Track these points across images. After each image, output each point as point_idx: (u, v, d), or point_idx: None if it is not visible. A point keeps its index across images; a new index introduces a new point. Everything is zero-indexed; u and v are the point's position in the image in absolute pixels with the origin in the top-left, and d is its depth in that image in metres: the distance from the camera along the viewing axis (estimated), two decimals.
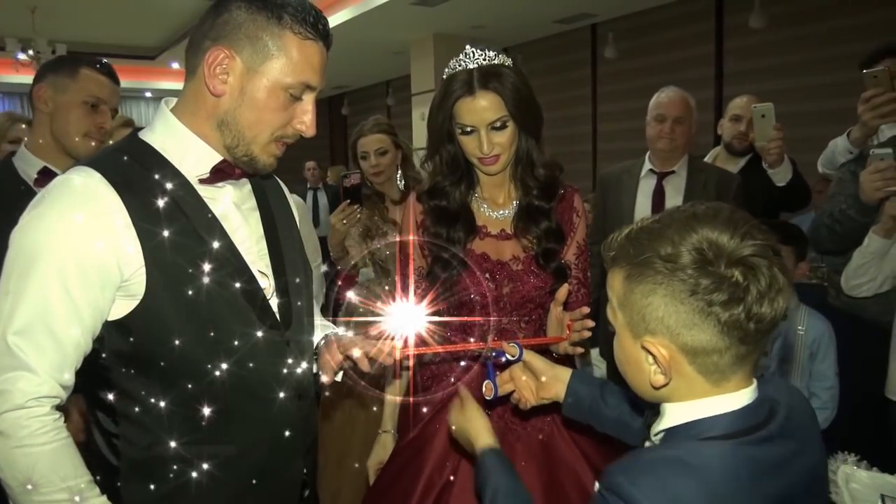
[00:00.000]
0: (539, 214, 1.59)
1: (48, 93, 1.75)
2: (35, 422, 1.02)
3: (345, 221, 2.37)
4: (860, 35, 4.85)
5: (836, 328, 2.21)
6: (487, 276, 1.57)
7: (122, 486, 1.11)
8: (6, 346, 1.01)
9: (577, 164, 7.16)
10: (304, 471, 1.28)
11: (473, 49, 1.52)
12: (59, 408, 1.06)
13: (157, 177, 1.09)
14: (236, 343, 1.13)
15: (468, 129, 1.51)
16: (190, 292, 1.09)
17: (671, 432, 0.88)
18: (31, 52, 7.63)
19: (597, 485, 0.86)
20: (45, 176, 1.70)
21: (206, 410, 1.12)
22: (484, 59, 1.49)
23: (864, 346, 2.20)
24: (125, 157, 1.11)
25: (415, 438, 1.57)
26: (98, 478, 1.09)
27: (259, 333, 1.15)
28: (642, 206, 2.69)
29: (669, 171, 2.70)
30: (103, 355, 1.09)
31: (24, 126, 2.52)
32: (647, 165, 2.76)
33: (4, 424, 1.01)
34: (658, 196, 2.69)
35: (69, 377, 1.06)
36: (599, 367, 3.65)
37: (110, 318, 1.07)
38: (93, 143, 1.77)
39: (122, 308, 1.07)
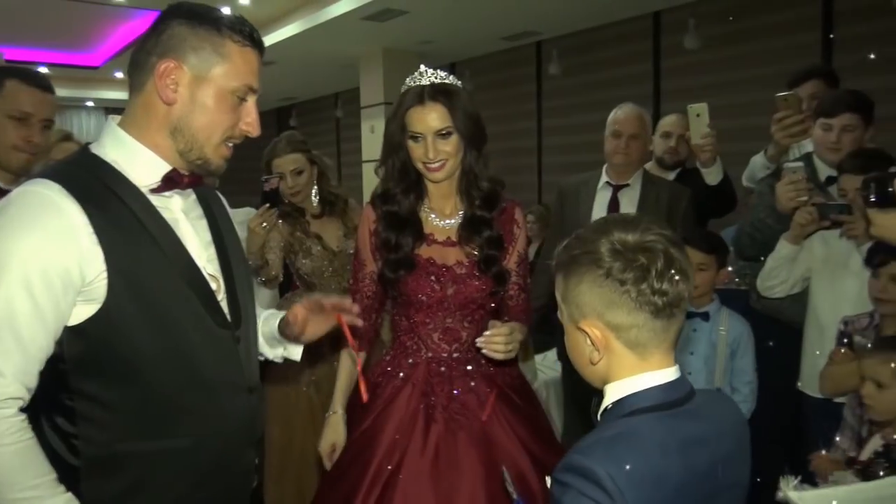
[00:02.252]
0: (481, 224, 1.73)
1: None
2: (3, 423, 1.07)
3: (264, 224, 2.39)
4: (786, 57, 5.15)
5: (756, 329, 2.38)
6: (433, 278, 1.69)
7: (82, 484, 1.15)
8: None
9: (523, 177, 7.35)
10: (256, 461, 1.36)
11: (427, 69, 1.69)
12: (23, 409, 1.11)
13: (112, 187, 1.17)
14: (190, 341, 1.21)
15: (417, 136, 1.66)
16: (148, 296, 1.16)
17: (608, 414, 1.03)
18: None
19: (548, 479, 0.99)
20: None
21: (163, 407, 1.19)
22: (436, 78, 1.68)
23: (781, 345, 2.39)
24: (80, 170, 1.19)
25: (366, 430, 1.66)
26: (62, 478, 1.14)
27: (211, 332, 1.24)
28: (598, 217, 2.82)
29: (624, 184, 2.83)
30: (62, 358, 1.14)
31: None
32: (604, 178, 2.89)
33: None
34: (613, 207, 2.83)
35: (33, 380, 1.11)
36: (545, 373, 3.78)
37: (70, 323, 1.13)
38: (23, 156, 1.75)
39: (82, 312, 1.13)
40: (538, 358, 3.87)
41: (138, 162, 1.21)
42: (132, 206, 1.17)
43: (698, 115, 2.65)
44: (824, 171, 2.37)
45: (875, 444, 1.77)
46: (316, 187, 2.62)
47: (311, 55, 7.50)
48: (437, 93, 1.66)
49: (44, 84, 1.78)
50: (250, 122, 1.26)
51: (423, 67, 1.72)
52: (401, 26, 6.49)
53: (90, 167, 1.19)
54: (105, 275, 1.12)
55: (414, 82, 1.69)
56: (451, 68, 8.57)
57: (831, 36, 5.17)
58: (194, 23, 1.20)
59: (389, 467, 1.59)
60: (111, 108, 12.70)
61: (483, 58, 8.09)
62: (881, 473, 1.64)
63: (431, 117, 1.65)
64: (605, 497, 0.89)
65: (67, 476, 1.15)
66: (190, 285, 1.22)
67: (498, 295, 1.78)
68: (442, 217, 1.78)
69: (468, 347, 1.73)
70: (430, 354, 1.73)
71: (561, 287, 1.07)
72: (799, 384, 2.29)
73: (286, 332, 1.46)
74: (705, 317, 2.34)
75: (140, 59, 1.21)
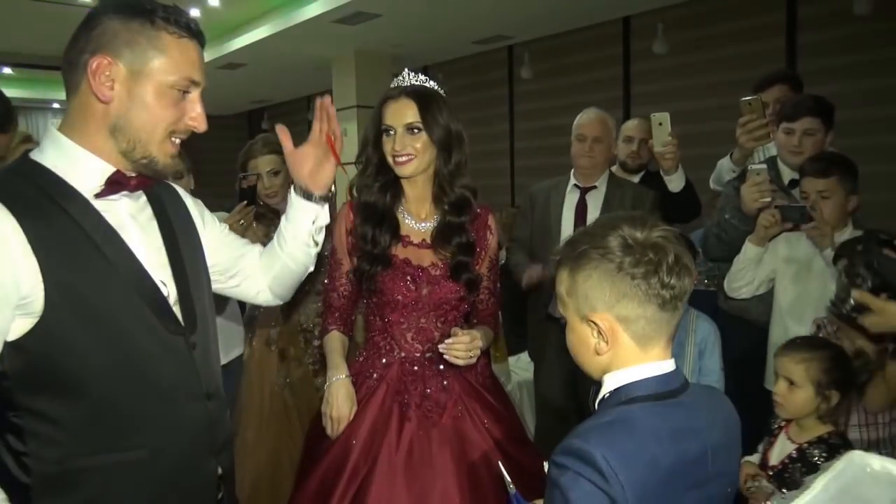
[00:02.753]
0: (453, 230, 1.77)
1: None
2: None
3: (241, 222, 2.38)
4: (753, 62, 5.26)
5: (724, 329, 2.43)
6: (409, 278, 1.72)
7: (34, 503, 1.11)
8: None
9: (496, 180, 7.39)
10: (220, 470, 1.31)
11: (411, 73, 1.77)
12: None
13: (51, 195, 1.12)
14: (141, 351, 1.17)
15: (388, 129, 1.72)
16: (91, 307, 1.11)
17: (604, 402, 1.08)
18: None
19: (546, 465, 1.03)
20: None
21: (115, 420, 1.15)
22: (417, 81, 1.76)
23: (748, 344, 2.44)
24: (17, 178, 1.14)
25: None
26: (11, 498, 1.10)
27: (163, 339, 1.20)
28: (567, 219, 2.88)
29: (591, 187, 2.90)
30: (6, 375, 1.09)
31: None
32: (572, 181, 2.95)
33: None
34: (581, 209, 2.89)
35: None
36: (518, 374, 3.81)
37: (10, 339, 1.08)
38: None
39: (21, 327, 1.08)
40: (512, 360, 3.90)
41: (79, 167, 1.16)
42: (73, 213, 1.13)
43: (660, 124, 2.70)
44: (788, 174, 2.44)
45: (784, 447, 1.80)
46: (291, 189, 2.61)
47: (283, 58, 7.46)
48: (413, 91, 1.73)
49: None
50: (195, 117, 1.22)
51: (406, 71, 1.79)
52: (373, 29, 6.49)
53: (28, 175, 1.14)
54: (41, 287, 1.07)
55: (396, 83, 1.78)
56: (424, 71, 8.58)
57: (796, 42, 5.29)
58: (126, 16, 1.15)
59: (365, 466, 1.60)
60: None
61: (455, 61, 8.12)
62: (800, 478, 1.68)
63: (402, 112, 1.71)
64: (600, 478, 0.94)
65: (20, 495, 1.11)
66: (138, 293, 1.18)
67: (470, 298, 1.81)
68: (417, 220, 1.81)
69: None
70: (403, 354, 1.76)
71: (566, 282, 1.10)
72: (766, 383, 2.34)
73: (305, 192, 1.46)
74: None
75: (72, 57, 1.16)
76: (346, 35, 6.62)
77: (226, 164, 2.40)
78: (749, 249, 2.30)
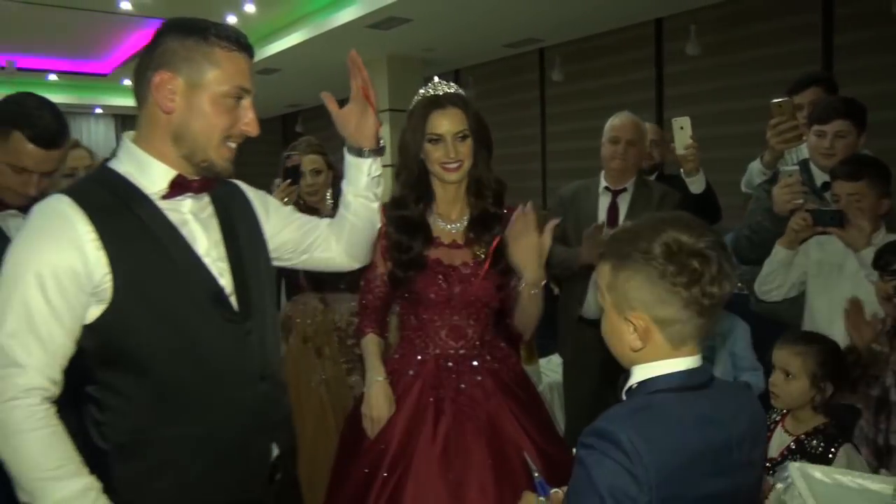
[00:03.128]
0: (492, 220, 1.86)
1: None
2: (24, 411, 1.17)
3: (286, 199, 2.48)
4: (787, 63, 5.20)
5: (755, 331, 2.42)
6: (441, 277, 1.78)
7: (112, 466, 1.26)
8: (6, 347, 1.18)
9: (528, 182, 7.40)
10: (275, 451, 1.41)
11: (441, 81, 1.84)
12: (53, 401, 1.22)
13: (121, 198, 1.27)
14: (198, 336, 1.30)
15: (437, 138, 1.77)
16: (152, 295, 1.25)
17: (633, 392, 1.12)
18: None
19: (574, 451, 1.07)
20: None
21: (175, 397, 1.28)
22: (449, 88, 1.83)
23: None
24: (93, 185, 1.31)
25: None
26: (93, 461, 1.24)
27: (219, 326, 1.33)
28: (600, 221, 2.88)
29: (622, 189, 2.91)
30: (84, 353, 1.25)
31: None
32: (603, 183, 2.96)
33: (5, 415, 1.17)
34: (612, 211, 2.90)
35: (56, 374, 1.22)
36: (549, 376, 3.82)
37: (87, 322, 1.23)
38: (18, 199, 1.73)
39: (94, 312, 1.23)
40: (543, 361, 3.92)
41: (148, 171, 1.30)
42: (139, 212, 1.27)
43: (682, 128, 2.73)
44: (820, 177, 2.41)
45: (781, 439, 1.84)
46: (331, 190, 2.73)
47: (317, 63, 7.57)
48: (455, 98, 1.81)
49: (48, 141, 1.68)
50: (248, 122, 1.33)
51: (436, 79, 1.86)
52: (405, 34, 6.55)
53: (103, 181, 1.30)
54: (110, 277, 1.22)
55: (430, 91, 1.82)
56: (455, 75, 8.64)
57: (832, 43, 5.21)
58: (183, 35, 1.28)
59: (403, 460, 1.66)
60: (119, 115, 12.82)
61: (486, 64, 8.15)
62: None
63: (452, 120, 1.78)
64: (624, 458, 0.98)
65: (101, 459, 1.26)
66: (195, 284, 1.30)
67: (503, 291, 1.86)
68: (448, 221, 1.88)
69: (473, 344, 1.82)
70: (437, 351, 1.81)
71: (608, 276, 1.12)
72: None
73: (356, 149, 1.58)
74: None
75: (139, 75, 1.30)
76: (379, 40, 6.71)
77: (260, 167, 2.48)
78: (779, 252, 2.29)
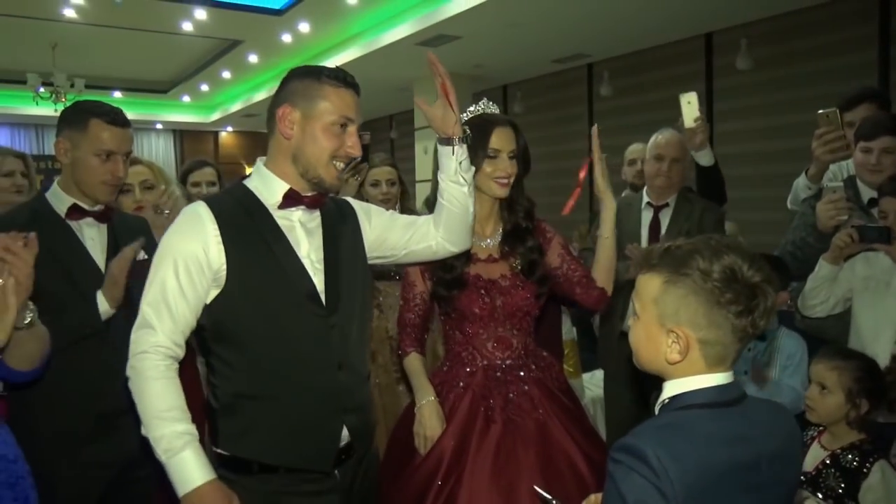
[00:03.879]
0: (525, 233, 1.94)
1: (65, 146, 1.87)
2: (149, 362, 1.46)
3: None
4: (841, 76, 5.12)
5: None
6: (483, 291, 1.85)
7: (218, 420, 1.55)
8: (142, 312, 1.48)
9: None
10: (345, 434, 1.59)
11: (490, 102, 1.96)
12: (179, 361, 1.50)
13: (245, 206, 1.57)
14: (287, 324, 1.54)
15: (494, 154, 1.88)
16: (256, 286, 1.51)
17: (664, 407, 1.14)
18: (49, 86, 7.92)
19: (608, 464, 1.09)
20: (75, 211, 1.87)
21: (266, 372, 1.53)
22: (496, 110, 1.96)
23: None
24: (227, 195, 1.63)
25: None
26: (210, 415, 1.56)
27: (306, 318, 1.55)
28: (643, 237, 2.91)
29: (664, 204, 2.92)
30: (203, 328, 1.53)
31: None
32: (645, 199, 2.97)
33: (136, 362, 1.46)
34: (655, 226, 2.90)
35: (180, 339, 1.50)
36: (592, 390, 3.83)
37: (207, 302, 1.51)
38: (110, 189, 1.89)
39: (213, 294, 1.51)
40: (586, 376, 3.92)
41: (269, 186, 1.58)
42: (256, 218, 1.55)
43: (689, 103, 2.76)
44: (867, 194, 2.38)
45: (816, 454, 1.82)
46: (399, 204, 2.95)
47: (368, 79, 7.69)
48: (511, 122, 1.93)
49: (122, 121, 1.91)
50: (351, 145, 1.58)
51: (486, 100, 1.96)
52: (454, 51, 6.67)
53: (234, 192, 1.62)
54: (225, 267, 1.49)
55: (488, 109, 1.93)
56: (503, 91, 8.72)
57: (889, 55, 5.10)
58: (302, 77, 1.57)
59: (455, 470, 1.72)
60: (178, 130, 13.31)
61: (534, 80, 8.21)
62: (836, 483, 1.72)
63: (508, 139, 1.89)
64: (651, 473, 1.00)
65: (212, 414, 1.56)
66: (291, 279, 1.54)
67: (541, 299, 1.93)
68: (482, 237, 1.95)
69: (519, 354, 1.88)
70: (485, 362, 1.86)
71: (657, 289, 1.13)
72: None
73: (445, 139, 1.72)
74: (762, 337, 2.37)
75: (270, 111, 1.59)
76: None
77: None
78: (823, 268, 2.27)
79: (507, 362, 1.87)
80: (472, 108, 1.94)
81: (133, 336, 1.49)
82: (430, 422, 1.79)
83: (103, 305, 1.82)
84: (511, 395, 1.82)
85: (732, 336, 1.08)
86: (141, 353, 1.46)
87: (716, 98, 6.33)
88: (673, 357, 1.11)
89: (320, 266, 1.59)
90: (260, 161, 1.64)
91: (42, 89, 8.00)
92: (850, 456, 1.74)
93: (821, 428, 1.86)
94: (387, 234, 1.77)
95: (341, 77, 1.57)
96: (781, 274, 2.39)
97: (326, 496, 1.57)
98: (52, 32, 7.26)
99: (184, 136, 13.50)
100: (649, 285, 1.14)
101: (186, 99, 11.43)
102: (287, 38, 7.11)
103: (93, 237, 1.91)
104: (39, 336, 1.51)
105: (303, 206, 1.59)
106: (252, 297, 1.51)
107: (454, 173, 1.71)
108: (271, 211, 1.57)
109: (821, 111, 2.39)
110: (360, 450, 1.65)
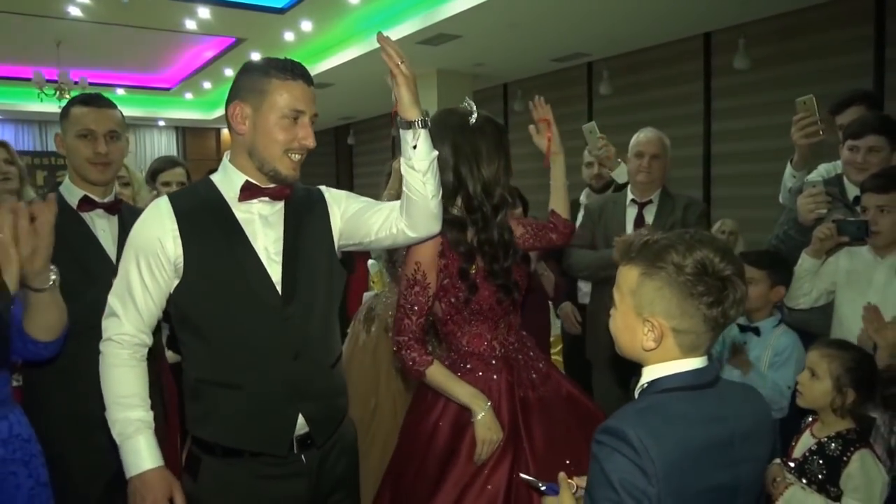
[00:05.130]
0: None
1: (60, 138, 2.02)
2: (113, 349, 1.56)
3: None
4: (838, 76, 5.17)
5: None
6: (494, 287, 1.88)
7: (186, 403, 1.64)
8: (109, 301, 1.57)
9: (574, 194, 7.42)
10: (301, 422, 1.60)
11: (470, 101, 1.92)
12: (149, 351, 1.60)
13: (204, 199, 1.61)
14: (243, 313, 1.57)
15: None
16: (212, 276, 1.55)
17: (643, 391, 1.21)
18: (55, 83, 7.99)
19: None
20: (86, 203, 1.97)
21: (225, 359, 1.58)
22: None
23: None
24: (190, 189, 1.70)
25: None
26: (181, 399, 1.67)
27: (261, 307, 1.58)
28: (629, 231, 2.99)
29: (648, 201, 3.02)
30: (168, 316, 1.62)
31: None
32: (629, 196, 3.07)
33: (102, 348, 1.56)
34: (639, 222, 3.00)
35: (145, 328, 1.58)
36: None
37: (171, 292, 1.57)
38: (98, 167, 1.97)
39: (174, 285, 1.57)
40: None
41: (230, 180, 1.62)
42: (214, 211, 1.59)
43: (590, 132, 3.05)
44: (853, 191, 2.45)
45: (806, 441, 1.88)
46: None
47: (369, 77, 7.81)
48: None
49: (101, 103, 2.02)
50: (304, 137, 1.58)
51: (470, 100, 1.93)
52: (454, 49, 6.73)
53: (199, 187, 1.66)
54: (182, 259, 1.54)
55: (475, 109, 1.87)
56: (503, 89, 8.77)
57: (885, 56, 5.15)
58: (251, 72, 1.59)
59: (510, 452, 1.76)
60: (181, 127, 13.38)
61: (534, 78, 8.26)
62: (818, 470, 1.79)
63: None
64: (632, 453, 1.06)
65: (182, 398, 1.67)
66: (245, 270, 1.57)
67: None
68: None
69: (519, 335, 1.95)
70: (503, 351, 1.87)
71: (633, 280, 1.19)
72: None
73: (405, 122, 1.61)
74: (757, 332, 2.41)
75: (225, 107, 1.62)
76: (429, 55, 6.90)
77: (313, 178, 2.66)
78: (806, 261, 2.34)
79: (515, 345, 1.90)
80: (469, 108, 1.89)
81: (103, 324, 1.58)
82: (495, 425, 1.75)
83: None
84: (533, 374, 1.88)
85: (704, 325, 1.14)
86: (106, 339, 1.56)
87: (714, 97, 6.39)
88: (648, 345, 1.18)
89: (278, 258, 1.61)
90: (226, 156, 1.67)
91: (46, 87, 8.06)
92: (833, 444, 1.79)
93: (815, 417, 1.92)
94: (359, 221, 1.72)
95: (289, 69, 1.56)
96: (781, 270, 2.45)
97: (293, 479, 1.61)
98: (57, 30, 7.33)
99: (186, 133, 13.56)
100: (628, 277, 1.21)
101: (189, 96, 11.50)
102: (289, 36, 7.17)
103: (104, 228, 1.99)
104: (61, 304, 1.56)
105: (265, 198, 1.62)
106: (208, 288, 1.56)
107: (408, 159, 1.61)
108: (231, 204, 1.60)
109: (798, 98, 2.48)
110: (320, 437, 1.65)
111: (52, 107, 8.13)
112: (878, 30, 5.19)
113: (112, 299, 1.57)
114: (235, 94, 1.59)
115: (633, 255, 1.21)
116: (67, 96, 7.93)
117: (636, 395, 1.24)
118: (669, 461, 1.07)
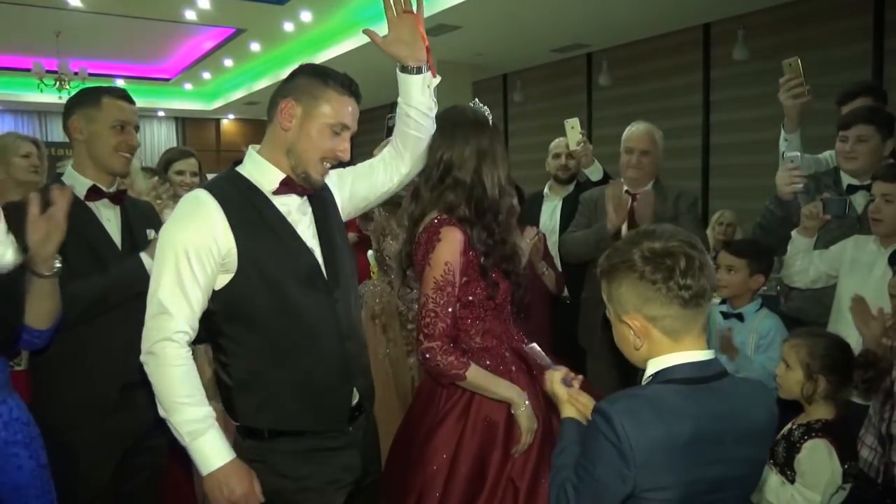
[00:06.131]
0: None
1: (80, 123, 1.97)
2: (175, 350, 1.52)
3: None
4: (835, 67, 5.18)
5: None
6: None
7: (235, 399, 1.63)
8: (158, 300, 1.52)
9: (539, 187, 7.46)
10: (356, 396, 1.72)
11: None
12: (190, 344, 1.57)
13: (244, 192, 1.62)
14: (297, 301, 1.61)
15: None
16: (265, 268, 1.58)
17: (651, 380, 1.24)
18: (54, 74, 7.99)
19: None
20: (93, 192, 1.98)
21: (280, 348, 1.61)
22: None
23: None
24: (225, 182, 1.67)
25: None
26: (223, 392, 1.65)
27: (314, 293, 1.64)
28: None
29: (640, 193, 3.04)
30: (214, 312, 1.60)
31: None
32: (623, 187, 3.08)
33: (156, 349, 1.51)
34: (631, 214, 3.01)
35: (195, 324, 1.56)
36: None
37: (216, 288, 1.57)
38: (125, 157, 2.02)
39: (222, 280, 1.57)
40: None
41: (265, 174, 1.65)
42: (256, 203, 1.62)
43: (572, 128, 3.15)
44: (846, 181, 2.51)
45: (785, 427, 1.92)
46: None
47: (370, 67, 7.76)
48: None
49: (128, 96, 2.09)
50: (342, 150, 1.66)
51: (476, 100, 1.96)
52: (454, 40, 6.74)
53: (231, 180, 1.66)
54: (235, 251, 1.55)
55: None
56: (503, 80, 8.78)
57: (883, 47, 5.17)
58: (310, 76, 1.63)
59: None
60: (180, 118, 13.38)
61: (534, 69, 8.27)
62: (781, 453, 1.85)
63: None
64: (614, 437, 1.12)
65: (228, 392, 1.64)
66: (297, 258, 1.63)
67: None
68: None
69: (518, 325, 1.95)
70: (510, 343, 1.89)
71: (606, 290, 1.27)
72: None
73: (406, 67, 1.82)
74: (740, 318, 2.48)
75: (273, 100, 1.65)
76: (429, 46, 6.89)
77: None
78: (797, 239, 2.42)
79: (516, 336, 1.91)
80: (483, 108, 1.92)
81: (150, 324, 1.52)
82: (534, 415, 1.76)
83: (148, 262, 1.92)
84: (542, 363, 1.83)
85: (671, 304, 1.18)
86: (162, 340, 1.51)
87: (713, 88, 6.41)
88: (637, 343, 1.24)
89: (316, 245, 1.68)
90: (252, 149, 1.69)
91: (46, 77, 8.06)
92: (797, 432, 1.85)
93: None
94: (360, 192, 1.87)
95: (346, 85, 1.64)
96: (761, 259, 2.52)
97: (347, 451, 1.69)
98: (56, 20, 7.33)
99: (186, 124, 13.57)
100: (603, 290, 1.29)
101: (188, 87, 11.50)
102: (289, 26, 7.18)
103: (109, 217, 2.01)
104: (58, 293, 1.60)
105: (295, 194, 1.67)
106: (263, 279, 1.58)
107: (427, 103, 1.80)
108: (269, 196, 1.64)
109: (784, 60, 2.54)
110: (368, 407, 1.78)
111: (52, 97, 8.15)
112: (877, 20, 5.20)
113: (162, 297, 1.52)
114: (290, 92, 1.62)
115: (599, 269, 1.29)
116: (67, 87, 7.93)
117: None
118: (649, 450, 1.12)
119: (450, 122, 1.88)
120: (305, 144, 1.62)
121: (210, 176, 3.27)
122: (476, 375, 1.74)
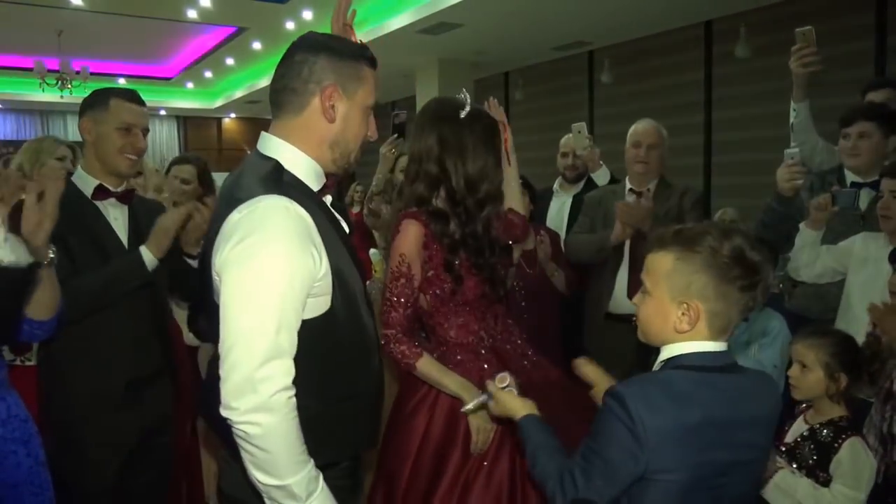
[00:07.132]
0: None
1: (89, 125, 2.00)
2: (290, 401, 1.25)
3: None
4: (838, 64, 5.15)
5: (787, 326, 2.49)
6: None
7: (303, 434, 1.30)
8: (275, 341, 1.22)
9: (548, 183, 7.45)
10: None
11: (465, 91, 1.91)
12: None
13: (308, 197, 1.35)
14: (363, 316, 1.44)
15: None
16: (348, 284, 1.38)
17: (662, 367, 1.27)
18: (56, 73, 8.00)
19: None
20: (100, 192, 2.00)
21: (352, 373, 1.41)
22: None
23: None
24: (286, 186, 1.32)
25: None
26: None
27: (366, 307, 1.47)
28: None
29: (645, 190, 3.04)
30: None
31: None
32: (628, 186, 3.10)
33: (273, 403, 1.21)
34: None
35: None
36: None
37: (307, 317, 1.30)
38: (130, 160, 2.02)
39: (315, 307, 1.31)
40: None
41: (309, 171, 1.39)
42: (322, 209, 1.38)
43: (579, 132, 3.23)
44: (850, 178, 2.53)
45: (798, 427, 1.92)
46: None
47: None
48: None
49: (137, 98, 2.08)
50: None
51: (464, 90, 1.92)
52: (456, 38, 6.74)
53: (293, 183, 1.35)
54: (329, 270, 1.31)
55: (465, 99, 1.85)
56: (504, 78, 8.77)
57: (886, 44, 5.16)
58: (342, 55, 1.37)
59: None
60: (181, 117, 13.39)
61: (535, 67, 8.26)
62: (809, 455, 1.83)
63: None
64: (628, 419, 1.15)
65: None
66: (360, 271, 1.46)
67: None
68: None
69: (503, 322, 1.92)
70: (491, 341, 1.86)
71: (669, 265, 1.23)
72: None
73: None
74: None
75: (296, 85, 1.36)
76: (430, 44, 6.90)
77: None
78: (804, 232, 2.42)
79: (503, 334, 1.89)
80: (468, 101, 1.86)
81: (263, 372, 1.21)
82: (487, 415, 1.69)
83: (147, 256, 1.90)
84: (525, 362, 1.86)
85: (736, 308, 1.21)
86: (282, 389, 1.22)
87: (714, 85, 6.39)
88: (682, 327, 1.23)
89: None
90: (283, 142, 1.39)
91: (48, 77, 8.07)
92: (825, 431, 1.83)
93: (808, 404, 1.95)
94: None
95: (370, 56, 1.43)
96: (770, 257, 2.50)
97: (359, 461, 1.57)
98: (58, 19, 7.33)
99: (187, 123, 13.57)
100: (662, 262, 1.25)
101: (190, 85, 11.51)
102: (291, 25, 7.17)
103: (116, 217, 2.02)
104: (56, 283, 1.55)
105: (329, 192, 1.47)
106: (347, 302, 1.37)
107: None
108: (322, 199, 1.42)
109: (798, 29, 2.55)
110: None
111: (54, 97, 8.16)
112: (879, 17, 5.20)
113: (274, 337, 1.23)
114: (328, 77, 1.35)
115: (666, 242, 1.26)
116: (69, 86, 7.94)
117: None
118: (662, 433, 1.15)
119: (420, 115, 1.90)
120: (352, 133, 1.42)
121: (214, 175, 3.30)
122: (426, 366, 1.76)
